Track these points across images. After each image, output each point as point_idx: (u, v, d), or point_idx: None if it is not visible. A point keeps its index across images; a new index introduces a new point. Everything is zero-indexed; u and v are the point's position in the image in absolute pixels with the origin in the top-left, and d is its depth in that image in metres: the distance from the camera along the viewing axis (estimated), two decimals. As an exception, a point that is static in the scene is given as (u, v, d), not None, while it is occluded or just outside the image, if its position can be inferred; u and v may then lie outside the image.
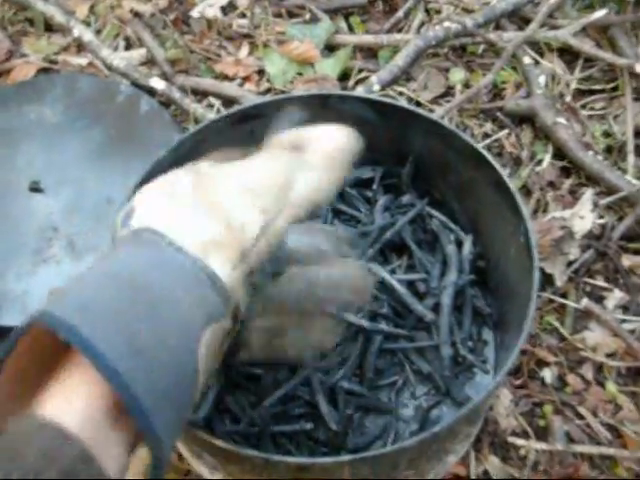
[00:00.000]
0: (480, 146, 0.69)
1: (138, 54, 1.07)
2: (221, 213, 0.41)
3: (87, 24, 1.11)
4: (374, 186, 0.78)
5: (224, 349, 0.41)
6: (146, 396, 0.33)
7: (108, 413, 0.33)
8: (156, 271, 0.37)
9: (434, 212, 0.77)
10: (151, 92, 0.99)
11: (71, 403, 0.33)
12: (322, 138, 0.50)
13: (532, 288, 0.59)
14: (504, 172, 0.67)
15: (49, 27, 1.12)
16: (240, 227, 0.40)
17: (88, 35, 1.07)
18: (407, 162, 0.77)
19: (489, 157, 0.67)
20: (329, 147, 0.49)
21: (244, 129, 0.74)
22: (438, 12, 1.10)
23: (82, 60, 1.07)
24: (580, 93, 1.02)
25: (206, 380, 0.39)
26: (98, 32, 1.10)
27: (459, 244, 0.74)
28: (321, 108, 0.74)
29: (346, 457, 0.47)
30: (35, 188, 0.88)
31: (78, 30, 1.08)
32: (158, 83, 1.00)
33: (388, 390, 0.67)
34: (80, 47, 1.09)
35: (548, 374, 0.78)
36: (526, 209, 0.64)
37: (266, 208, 0.42)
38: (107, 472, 0.32)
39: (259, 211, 0.42)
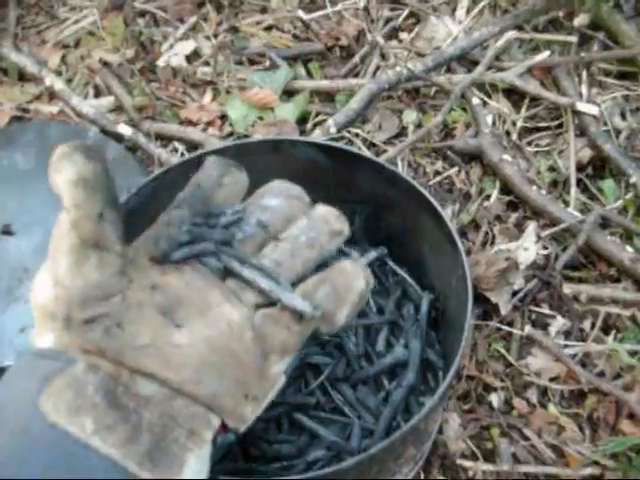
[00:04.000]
0: (420, 184, 0.74)
1: (107, 101, 1.12)
2: (34, 305, 0.45)
3: (58, 73, 1.16)
4: None
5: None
6: None
7: None
8: (7, 389, 0.42)
9: (390, 263, 0.81)
10: (119, 138, 1.04)
11: None
12: None
13: (466, 318, 0.63)
14: (443, 208, 0.72)
15: (22, 76, 1.17)
16: (41, 303, 0.45)
17: (59, 84, 1.12)
18: (357, 213, 0.81)
19: (426, 193, 0.72)
20: None
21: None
22: (394, 57, 1.16)
23: (53, 108, 1.12)
24: (526, 131, 1.08)
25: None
26: (69, 81, 1.15)
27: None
28: (274, 153, 0.79)
29: (290, 477, 0.51)
30: (7, 231, 0.92)
31: (50, 79, 1.12)
32: (125, 129, 1.04)
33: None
34: (52, 95, 1.13)
35: (495, 398, 0.82)
36: (462, 242, 0.69)
37: (51, 268, 0.45)
38: None
39: (49, 277, 0.45)
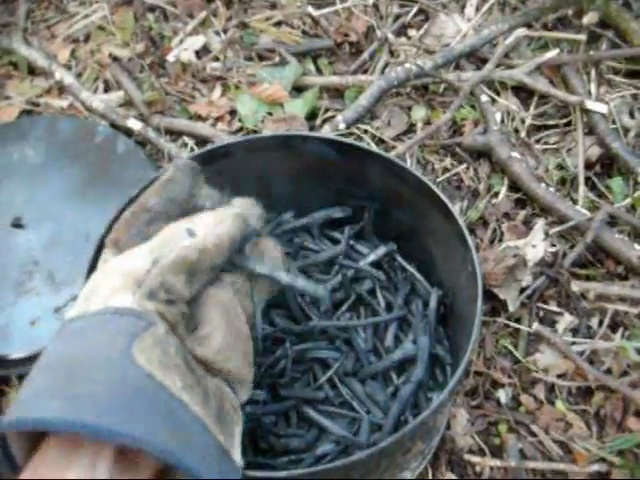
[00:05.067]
0: (430, 180, 0.74)
1: (116, 96, 1.12)
2: (118, 270, 0.47)
3: (68, 68, 1.16)
4: (345, 232, 0.81)
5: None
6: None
7: None
8: (85, 343, 0.43)
9: (399, 259, 0.81)
10: (128, 132, 1.04)
11: None
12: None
13: (476, 313, 0.64)
14: (451, 204, 0.72)
15: (32, 70, 1.17)
16: (130, 269, 0.46)
17: (69, 78, 1.12)
18: (366, 209, 0.81)
19: (437, 190, 0.72)
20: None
21: (213, 168, 0.78)
22: (403, 53, 1.16)
23: (63, 102, 1.12)
24: (535, 128, 1.08)
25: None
26: (79, 75, 1.16)
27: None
28: (284, 148, 0.79)
29: (297, 471, 0.51)
30: (17, 224, 0.92)
31: (59, 74, 1.13)
32: (135, 124, 1.05)
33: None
34: (61, 90, 1.14)
35: (503, 395, 0.83)
36: (472, 239, 0.69)
37: (154, 250, 0.48)
38: None
39: (148, 253, 0.48)
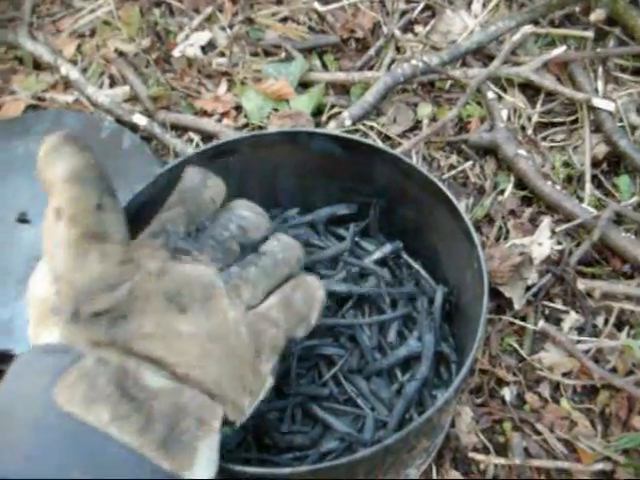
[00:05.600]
0: (436, 177, 0.74)
1: (122, 91, 1.12)
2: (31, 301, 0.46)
3: (74, 63, 1.16)
4: (350, 228, 0.81)
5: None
6: None
7: None
8: (15, 386, 0.42)
9: (404, 256, 0.81)
10: (134, 127, 1.04)
11: None
12: None
13: (482, 311, 0.64)
14: (457, 201, 0.72)
15: (38, 65, 1.17)
16: (40, 296, 0.45)
17: (74, 73, 1.12)
18: (372, 206, 0.81)
19: (443, 187, 0.72)
20: None
21: (219, 163, 0.79)
22: (410, 50, 1.16)
23: (69, 97, 1.12)
24: (541, 126, 1.08)
25: None
26: (84, 70, 1.15)
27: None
28: (290, 144, 0.79)
29: (301, 468, 0.51)
30: (22, 219, 0.92)
31: (65, 69, 1.13)
32: (140, 119, 1.05)
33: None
34: (67, 85, 1.14)
35: (507, 393, 0.82)
36: (478, 236, 0.69)
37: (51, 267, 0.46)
38: None
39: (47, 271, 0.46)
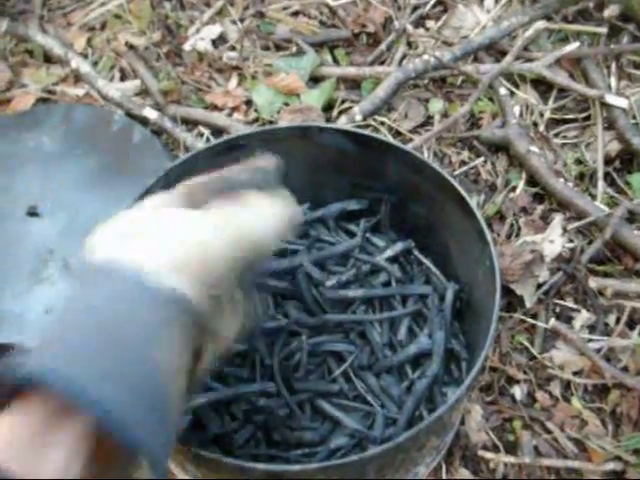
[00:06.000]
0: (448, 174, 0.73)
1: (132, 85, 1.12)
2: (187, 237, 0.45)
3: (84, 56, 1.16)
4: (361, 224, 0.81)
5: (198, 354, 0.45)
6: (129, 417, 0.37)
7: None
8: (119, 305, 0.41)
9: (415, 253, 0.81)
10: (144, 121, 1.04)
11: None
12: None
13: (494, 311, 0.63)
14: (470, 198, 0.71)
15: (48, 58, 1.17)
16: (200, 248, 0.45)
17: (85, 67, 1.12)
18: (383, 202, 0.81)
19: (456, 184, 0.71)
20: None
21: (230, 158, 0.78)
22: (421, 45, 1.15)
23: (79, 91, 1.12)
24: (554, 122, 1.07)
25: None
26: (95, 64, 1.15)
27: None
28: (302, 139, 0.79)
29: (313, 465, 0.51)
30: (32, 212, 0.92)
31: (75, 62, 1.13)
32: (151, 113, 1.04)
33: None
34: (77, 78, 1.14)
35: (518, 391, 0.82)
36: (490, 234, 0.69)
37: (224, 232, 0.46)
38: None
39: (219, 230, 0.46)
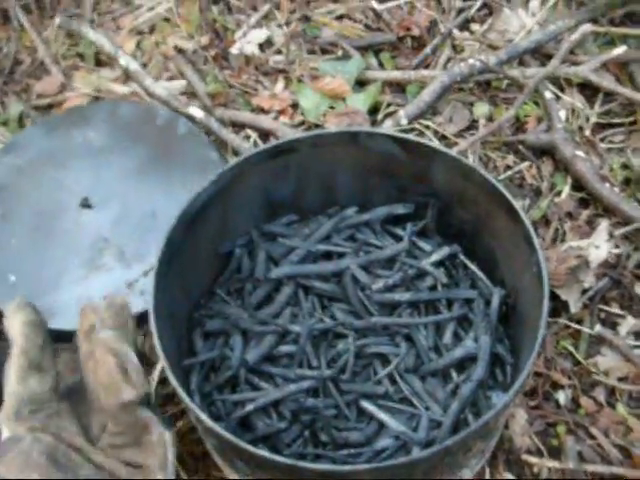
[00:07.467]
0: (495, 179, 0.74)
1: (179, 84, 1.14)
2: None
3: (133, 59, 1.18)
4: (407, 228, 0.82)
5: None
6: None
7: None
8: None
9: (461, 257, 0.81)
10: (190, 120, 1.05)
11: None
12: None
13: (541, 316, 0.64)
14: (518, 204, 0.72)
15: (98, 62, 1.20)
16: None
17: (134, 64, 1.14)
18: (429, 206, 0.81)
19: (504, 190, 0.72)
20: None
21: (279, 162, 0.80)
22: (464, 49, 1.15)
23: (125, 89, 1.14)
24: (599, 127, 1.06)
25: None
26: (143, 66, 1.17)
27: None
28: (350, 144, 0.80)
29: (362, 466, 0.52)
30: (85, 204, 0.95)
31: (125, 60, 1.15)
32: (196, 111, 1.06)
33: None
34: (125, 78, 1.16)
35: (562, 396, 0.82)
36: (538, 240, 0.69)
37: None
38: None
39: None
